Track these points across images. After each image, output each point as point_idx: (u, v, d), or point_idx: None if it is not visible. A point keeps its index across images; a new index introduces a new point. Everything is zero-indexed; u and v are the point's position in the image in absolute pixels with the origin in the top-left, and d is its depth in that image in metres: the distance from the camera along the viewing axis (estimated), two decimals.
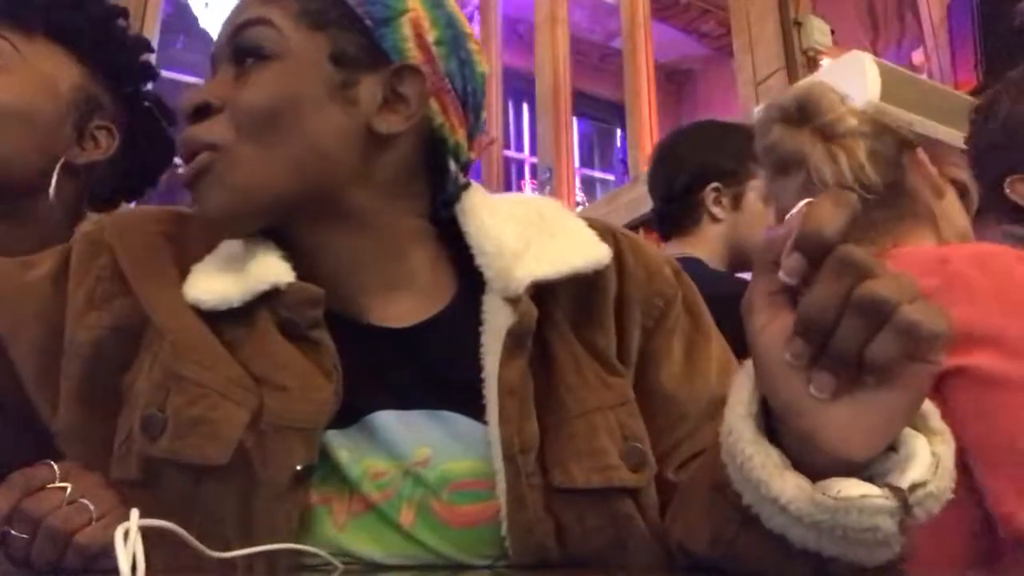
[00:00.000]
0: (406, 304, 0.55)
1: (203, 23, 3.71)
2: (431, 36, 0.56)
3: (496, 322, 0.52)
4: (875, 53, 3.52)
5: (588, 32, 5.93)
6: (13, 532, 0.47)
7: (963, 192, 0.94)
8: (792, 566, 0.39)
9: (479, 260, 0.54)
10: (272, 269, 0.51)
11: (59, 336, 0.53)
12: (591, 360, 0.53)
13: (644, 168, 3.77)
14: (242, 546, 0.44)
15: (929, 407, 0.38)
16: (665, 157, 1.33)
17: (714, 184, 1.24)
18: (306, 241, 0.55)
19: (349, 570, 0.48)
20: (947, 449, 0.37)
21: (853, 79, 2.16)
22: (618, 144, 6.67)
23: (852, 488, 0.36)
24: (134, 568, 0.32)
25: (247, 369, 0.49)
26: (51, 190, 0.74)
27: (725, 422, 0.40)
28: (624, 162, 5.47)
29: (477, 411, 0.51)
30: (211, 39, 3.28)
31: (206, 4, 3.63)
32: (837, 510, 0.36)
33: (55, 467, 0.49)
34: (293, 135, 0.52)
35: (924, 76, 3.22)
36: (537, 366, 0.52)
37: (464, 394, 0.52)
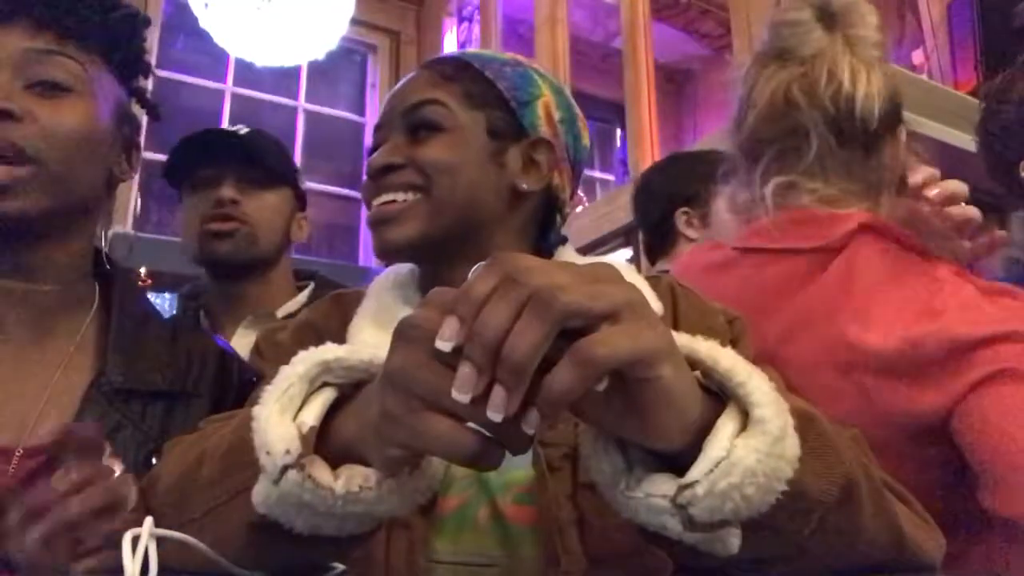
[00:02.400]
0: None
1: (203, 23, 3.70)
2: (556, 116, 0.72)
3: None
4: None
5: (588, 32, 5.92)
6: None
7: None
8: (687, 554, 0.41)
9: None
10: None
11: None
12: None
13: (644, 168, 3.77)
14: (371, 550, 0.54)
15: (762, 397, 0.38)
16: (640, 192, 1.50)
17: (683, 208, 1.39)
18: (446, 276, 0.66)
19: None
20: (754, 443, 0.37)
21: None
22: (618, 144, 6.68)
23: (648, 486, 0.37)
24: (144, 572, 0.32)
25: None
26: (109, 205, 0.78)
27: None
28: (624, 162, 5.47)
29: None
30: (211, 39, 3.23)
31: (206, 4, 3.62)
32: (629, 508, 0.38)
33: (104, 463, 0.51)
34: (461, 185, 0.66)
35: (924, 76, 3.22)
36: None
37: None
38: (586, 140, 0.76)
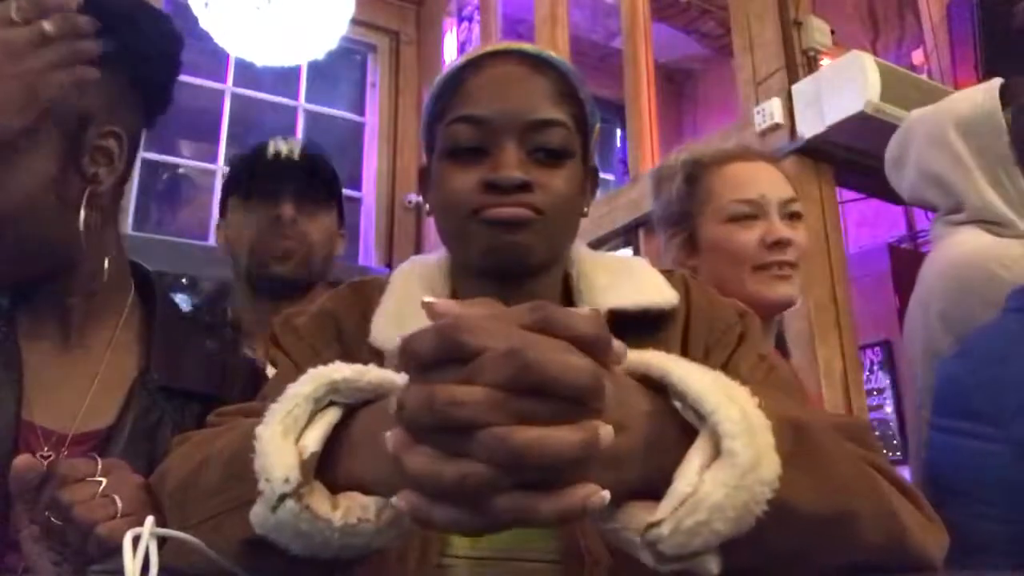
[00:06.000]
0: None
1: (203, 23, 3.69)
2: (596, 141, 0.74)
3: None
4: (875, 53, 3.51)
5: (588, 32, 5.92)
6: (52, 519, 0.50)
7: None
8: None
9: (575, 296, 0.69)
10: None
11: None
12: None
13: (644, 168, 3.76)
14: None
15: (731, 427, 0.37)
16: None
17: None
18: (510, 280, 0.67)
19: None
20: (723, 477, 0.36)
21: (853, 79, 2.20)
22: (618, 144, 6.68)
23: (621, 518, 0.37)
24: (145, 571, 0.32)
25: None
26: (81, 226, 0.70)
27: None
28: (624, 162, 5.47)
29: None
30: (211, 39, 3.23)
31: (206, 4, 3.62)
32: (607, 535, 0.38)
33: (99, 462, 0.52)
34: (574, 215, 0.69)
35: (924, 76, 3.22)
36: None
37: None
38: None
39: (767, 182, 1.16)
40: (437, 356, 0.33)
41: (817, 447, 0.42)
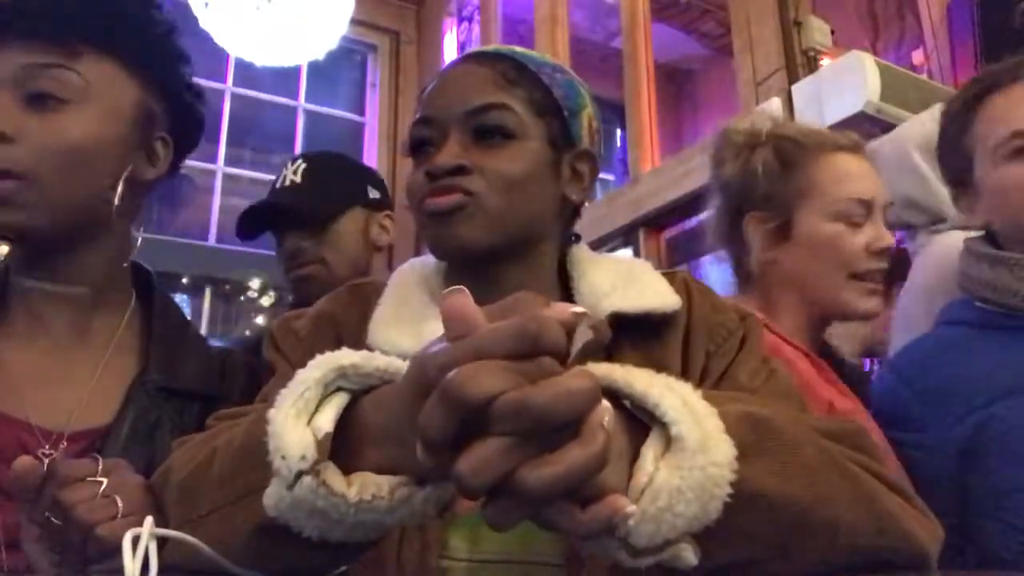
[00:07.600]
0: None
1: (203, 23, 3.69)
2: (594, 126, 0.74)
3: (578, 346, 0.62)
4: (875, 53, 3.51)
5: (588, 32, 5.92)
6: (52, 519, 0.50)
7: None
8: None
9: (576, 297, 0.69)
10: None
11: None
12: None
13: (644, 168, 3.77)
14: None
15: (675, 414, 0.38)
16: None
17: None
18: (493, 275, 0.67)
19: None
20: (675, 461, 0.38)
21: (853, 79, 2.20)
22: (618, 144, 6.68)
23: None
24: (145, 571, 0.32)
25: None
26: (115, 206, 0.75)
27: None
28: (624, 162, 5.47)
29: None
30: (211, 39, 3.21)
31: (206, 4, 3.61)
32: (589, 546, 0.39)
33: (100, 462, 0.52)
34: (527, 197, 0.67)
35: (924, 76, 3.22)
36: None
37: None
38: (602, 148, 0.77)
39: (876, 182, 1.08)
40: (452, 431, 0.33)
41: (779, 436, 0.43)
